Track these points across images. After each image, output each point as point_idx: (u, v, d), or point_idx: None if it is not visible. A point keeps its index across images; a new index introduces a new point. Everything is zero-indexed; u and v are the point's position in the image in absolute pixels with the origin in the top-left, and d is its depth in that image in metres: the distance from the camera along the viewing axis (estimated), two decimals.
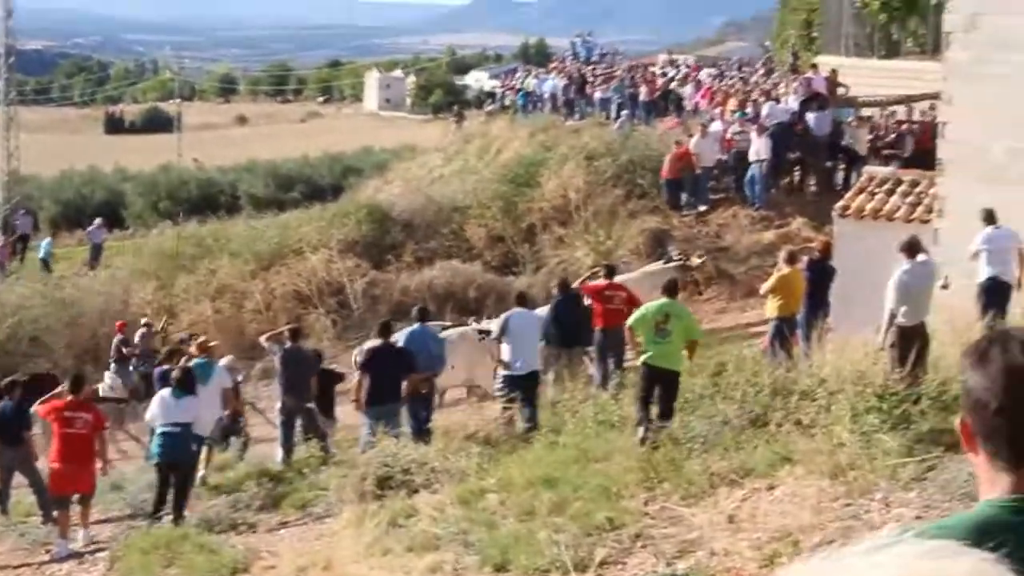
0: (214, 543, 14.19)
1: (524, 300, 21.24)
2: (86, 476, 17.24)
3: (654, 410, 14.51)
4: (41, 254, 47.54)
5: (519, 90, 52.88)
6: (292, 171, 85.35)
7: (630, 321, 16.23)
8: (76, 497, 17.36)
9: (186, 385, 17.38)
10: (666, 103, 45.30)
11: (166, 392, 17.52)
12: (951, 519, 2.94)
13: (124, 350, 28.23)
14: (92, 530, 17.36)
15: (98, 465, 17.49)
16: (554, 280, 25.08)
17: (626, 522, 10.44)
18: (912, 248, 15.26)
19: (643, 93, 45.19)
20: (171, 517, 16.74)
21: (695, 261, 28.41)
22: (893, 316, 14.81)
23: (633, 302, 19.96)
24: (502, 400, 18.88)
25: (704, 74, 50.62)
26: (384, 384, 18.28)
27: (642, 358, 15.58)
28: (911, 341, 14.02)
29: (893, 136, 32.38)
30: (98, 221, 49.71)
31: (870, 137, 32.19)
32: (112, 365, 28.06)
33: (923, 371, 13.10)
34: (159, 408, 17.33)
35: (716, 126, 35.20)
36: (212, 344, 22.04)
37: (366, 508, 12.28)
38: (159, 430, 17.22)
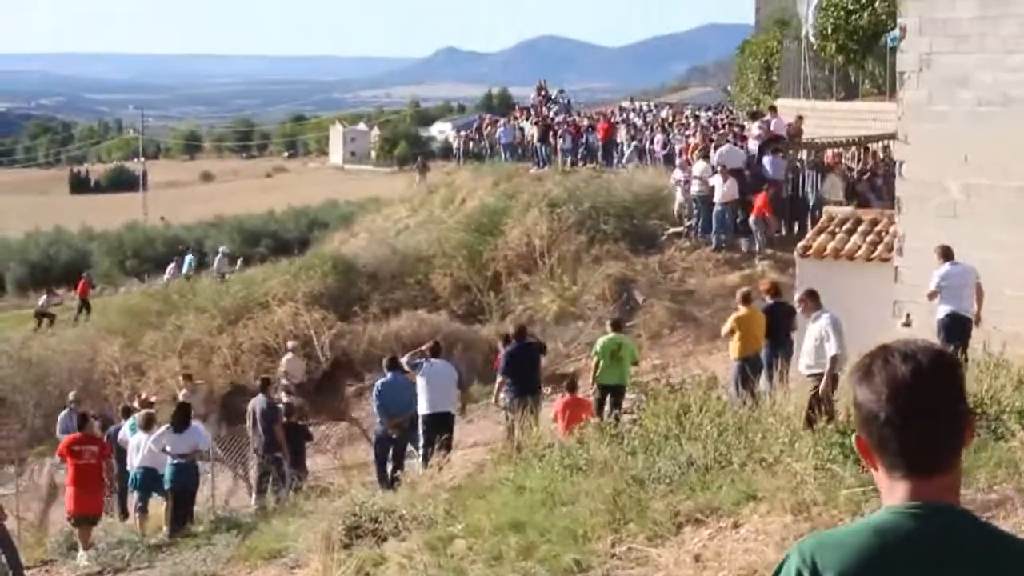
0: None
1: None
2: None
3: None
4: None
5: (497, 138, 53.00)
6: (258, 226, 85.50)
7: (595, 349, 21.87)
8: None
9: (181, 421, 19.85)
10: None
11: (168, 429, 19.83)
12: (847, 526, 3.03)
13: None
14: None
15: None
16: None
17: (593, 564, 10.43)
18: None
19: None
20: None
21: None
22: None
23: None
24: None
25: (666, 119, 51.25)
26: None
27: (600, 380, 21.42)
28: None
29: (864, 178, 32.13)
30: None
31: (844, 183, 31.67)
32: None
33: None
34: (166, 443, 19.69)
35: (678, 174, 35.47)
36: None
37: (334, 557, 12.26)
38: (169, 462, 19.57)
